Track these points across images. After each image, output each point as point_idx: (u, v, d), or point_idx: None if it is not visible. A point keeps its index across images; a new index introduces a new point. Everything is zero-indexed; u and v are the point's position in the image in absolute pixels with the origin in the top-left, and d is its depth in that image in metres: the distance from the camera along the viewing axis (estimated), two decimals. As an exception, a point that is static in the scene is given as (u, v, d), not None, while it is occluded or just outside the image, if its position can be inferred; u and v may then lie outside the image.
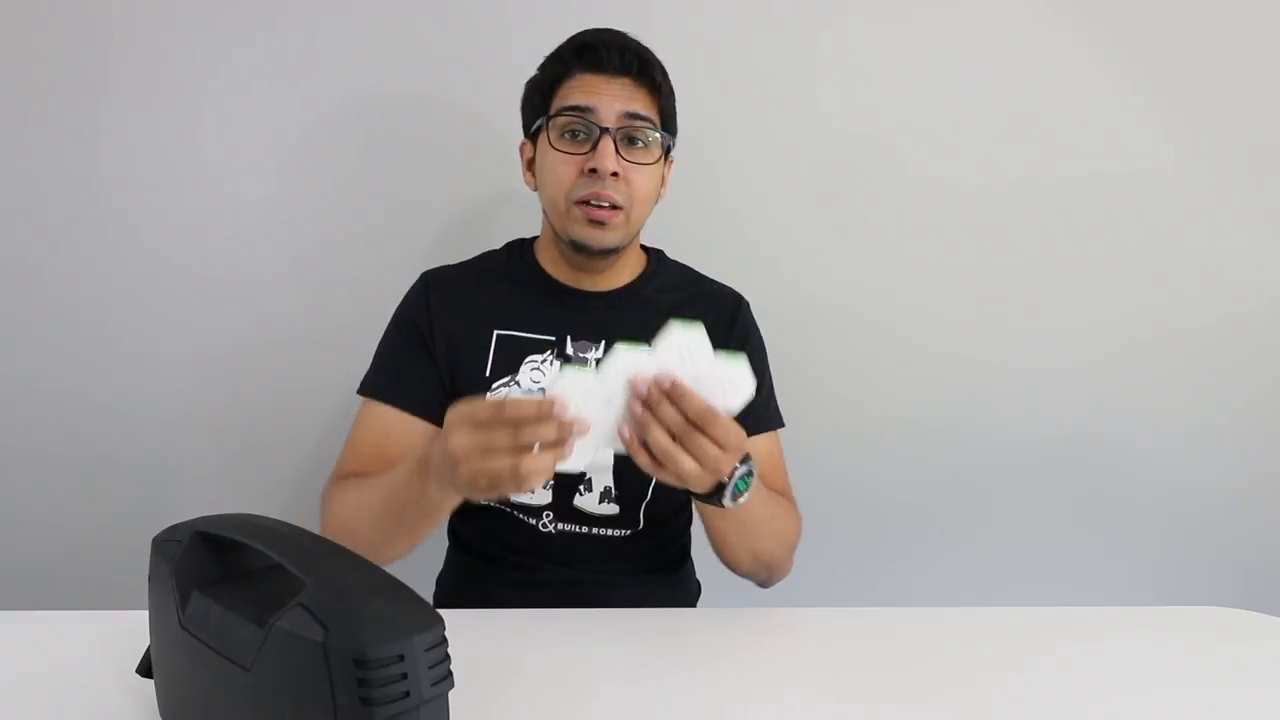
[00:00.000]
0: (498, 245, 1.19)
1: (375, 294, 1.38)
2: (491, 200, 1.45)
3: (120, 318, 1.44)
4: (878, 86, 1.47)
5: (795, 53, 1.45)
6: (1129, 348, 1.57)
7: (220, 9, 1.38)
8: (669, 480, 0.81)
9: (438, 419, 1.07)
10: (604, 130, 1.01)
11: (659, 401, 0.77)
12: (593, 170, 1.01)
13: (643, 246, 1.18)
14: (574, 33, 1.08)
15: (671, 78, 1.08)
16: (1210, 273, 1.55)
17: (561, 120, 1.03)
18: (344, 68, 1.40)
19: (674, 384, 0.77)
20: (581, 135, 1.03)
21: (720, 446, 0.79)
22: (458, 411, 0.77)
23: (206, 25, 1.38)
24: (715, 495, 0.86)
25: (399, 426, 1.06)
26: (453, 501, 0.86)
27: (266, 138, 1.42)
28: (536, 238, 1.17)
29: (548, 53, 1.08)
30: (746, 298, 1.19)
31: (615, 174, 1.01)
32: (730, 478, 0.84)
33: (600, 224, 1.03)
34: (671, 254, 1.20)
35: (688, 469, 0.79)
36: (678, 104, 1.10)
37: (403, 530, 0.92)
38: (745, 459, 0.85)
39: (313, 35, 1.39)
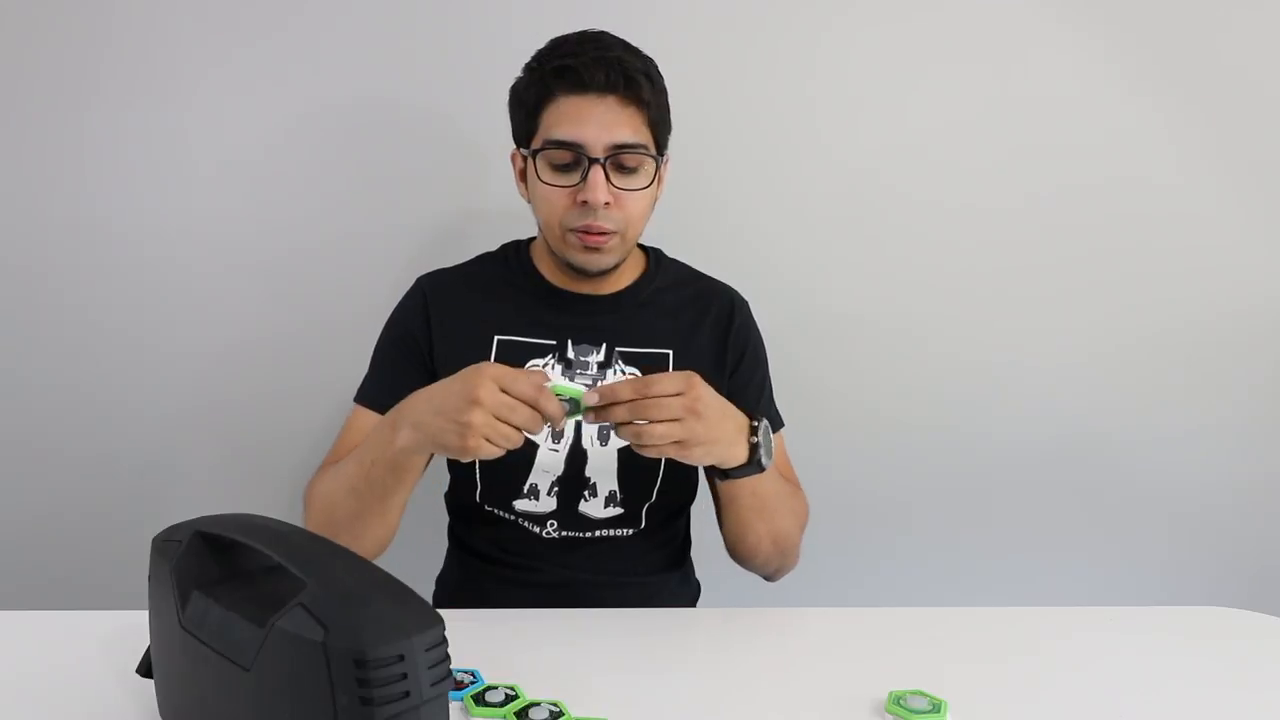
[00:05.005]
0: (494, 244, 1.18)
1: (373, 293, 1.39)
2: (486, 201, 1.45)
3: (118, 318, 1.44)
4: (879, 87, 1.46)
5: (796, 52, 1.44)
6: (1128, 348, 1.57)
7: (211, 14, 1.37)
8: (676, 454, 0.87)
9: None
10: (593, 161, 0.99)
11: (608, 401, 0.85)
12: (584, 202, 1.00)
13: (641, 246, 1.17)
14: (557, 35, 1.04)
15: (672, 78, 1.06)
16: (1210, 272, 1.55)
17: (548, 153, 1.01)
18: (338, 70, 1.40)
19: (604, 387, 0.85)
20: (571, 165, 1.00)
21: (675, 394, 0.85)
22: (496, 370, 0.84)
23: (198, 29, 1.38)
24: (752, 462, 0.92)
25: None
26: (414, 458, 0.90)
27: (262, 138, 1.42)
28: (534, 239, 1.16)
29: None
30: (746, 298, 1.19)
31: (608, 203, 1.00)
32: (756, 435, 0.91)
33: (596, 249, 1.02)
34: (676, 253, 1.20)
35: (661, 432, 0.85)
36: (679, 105, 1.08)
37: (373, 494, 0.93)
38: (754, 419, 0.92)
39: (306, 38, 1.39)
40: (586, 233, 1.01)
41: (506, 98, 1.08)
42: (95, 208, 1.41)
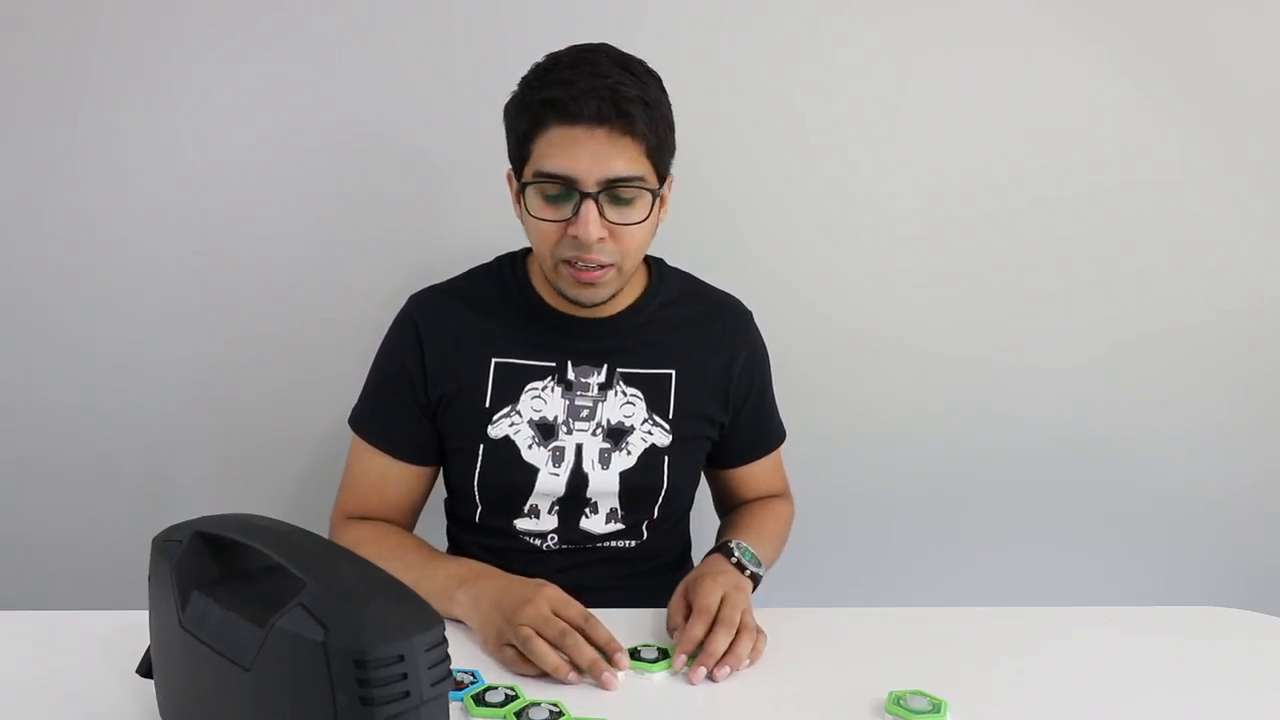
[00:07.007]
0: (489, 248, 1.15)
1: (370, 294, 1.39)
2: (481, 205, 1.42)
3: (118, 319, 1.44)
4: (875, 91, 1.46)
5: (791, 56, 1.44)
6: (1128, 348, 1.56)
7: (206, 19, 1.37)
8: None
9: (433, 464, 1.09)
10: (585, 196, 0.92)
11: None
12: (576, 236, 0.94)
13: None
14: (554, 49, 0.98)
15: (671, 83, 1.01)
16: (1210, 272, 1.54)
17: (540, 185, 0.95)
18: (334, 73, 1.39)
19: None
20: (562, 198, 0.94)
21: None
22: (554, 594, 0.87)
23: (193, 35, 1.36)
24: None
25: (396, 473, 1.07)
26: (460, 616, 0.92)
27: (258, 142, 1.41)
28: (529, 251, 1.10)
29: (536, 60, 0.99)
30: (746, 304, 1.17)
31: (601, 239, 0.94)
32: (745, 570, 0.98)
33: (590, 284, 0.97)
34: (671, 261, 1.17)
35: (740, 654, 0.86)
36: (678, 110, 1.02)
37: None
38: (729, 553, 0.99)
39: (301, 42, 1.38)
40: (580, 267, 0.95)
41: (501, 101, 1.04)
42: (91, 211, 1.41)
